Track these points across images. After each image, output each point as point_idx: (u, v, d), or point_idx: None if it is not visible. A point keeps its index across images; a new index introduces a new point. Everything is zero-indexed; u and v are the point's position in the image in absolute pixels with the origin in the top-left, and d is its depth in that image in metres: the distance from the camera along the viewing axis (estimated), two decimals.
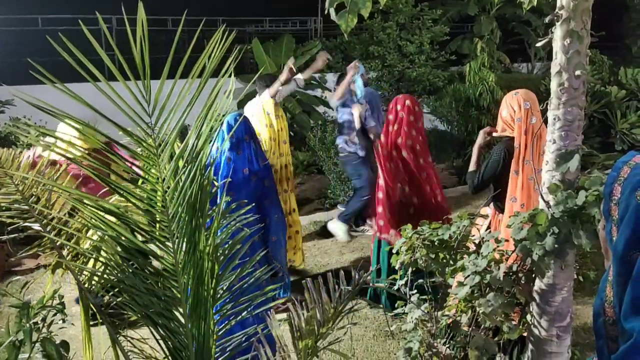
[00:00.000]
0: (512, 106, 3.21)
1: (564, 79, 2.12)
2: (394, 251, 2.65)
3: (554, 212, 2.12)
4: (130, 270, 1.79)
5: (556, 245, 2.11)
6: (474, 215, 2.65)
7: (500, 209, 3.25)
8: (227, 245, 1.98)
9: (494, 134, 3.34)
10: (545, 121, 2.24)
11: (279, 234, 3.61)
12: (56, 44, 1.64)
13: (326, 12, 1.89)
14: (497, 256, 2.36)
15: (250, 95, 6.07)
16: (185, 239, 1.78)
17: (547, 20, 2.12)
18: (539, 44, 2.20)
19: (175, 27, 9.99)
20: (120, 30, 1.83)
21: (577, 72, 2.10)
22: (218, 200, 2.29)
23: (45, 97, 1.48)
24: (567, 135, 2.16)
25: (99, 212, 1.74)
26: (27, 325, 1.80)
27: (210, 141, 1.83)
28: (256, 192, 3.43)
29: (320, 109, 8.53)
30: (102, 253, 1.90)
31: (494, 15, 10.42)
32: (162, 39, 10.55)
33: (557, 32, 2.11)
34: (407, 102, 4.17)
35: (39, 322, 1.89)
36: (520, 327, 2.38)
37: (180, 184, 1.76)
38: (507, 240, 2.45)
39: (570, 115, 2.14)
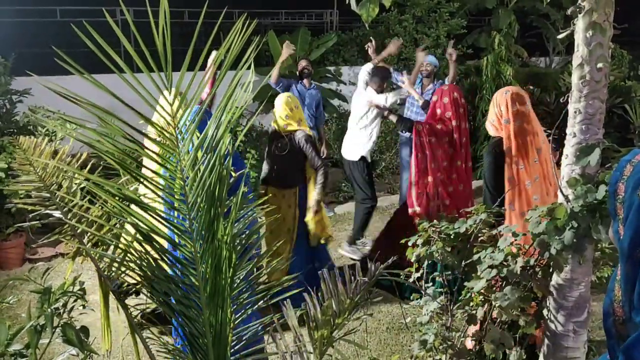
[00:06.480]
0: (500, 106, 3.06)
1: (586, 71, 2.09)
2: (409, 244, 2.65)
3: (573, 206, 2.10)
4: (150, 258, 1.81)
5: (575, 240, 2.10)
6: (491, 210, 2.62)
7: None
8: (244, 235, 2.00)
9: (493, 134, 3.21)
10: (566, 115, 2.22)
11: None
12: (74, 35, 1.65)
13: (347, 1, 1.88)
14: (514, 250, 2.35)
15: (266, 87, 6.06)
16: (203, 228, 1.80)
17: (569, 12, 2.09)
18: (560, 36, 2.18)
19: (191, 19, 9.99)
20: (136, 22, 1.85)
21: (599, 65, 2.07)
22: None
23: (62, 89, 1.50)
24: (588, 129, 2.14)
25: (120, 199, 1.76)
26: (49, 310, 1.83)
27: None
28: None
29: (335, 102, 8.50)
30: (122, 240, 1.93)
31: (512, 8, 10.25)
32: (178, 31, 10.57)
33: (579, 24, 2.08)
34: (455, 94, 4.04)
35: (60, 307, 1.92)
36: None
37: (200, 174, 1.77)
38: (524, 235, 2.44)
39: (591, 109, 2.12)
